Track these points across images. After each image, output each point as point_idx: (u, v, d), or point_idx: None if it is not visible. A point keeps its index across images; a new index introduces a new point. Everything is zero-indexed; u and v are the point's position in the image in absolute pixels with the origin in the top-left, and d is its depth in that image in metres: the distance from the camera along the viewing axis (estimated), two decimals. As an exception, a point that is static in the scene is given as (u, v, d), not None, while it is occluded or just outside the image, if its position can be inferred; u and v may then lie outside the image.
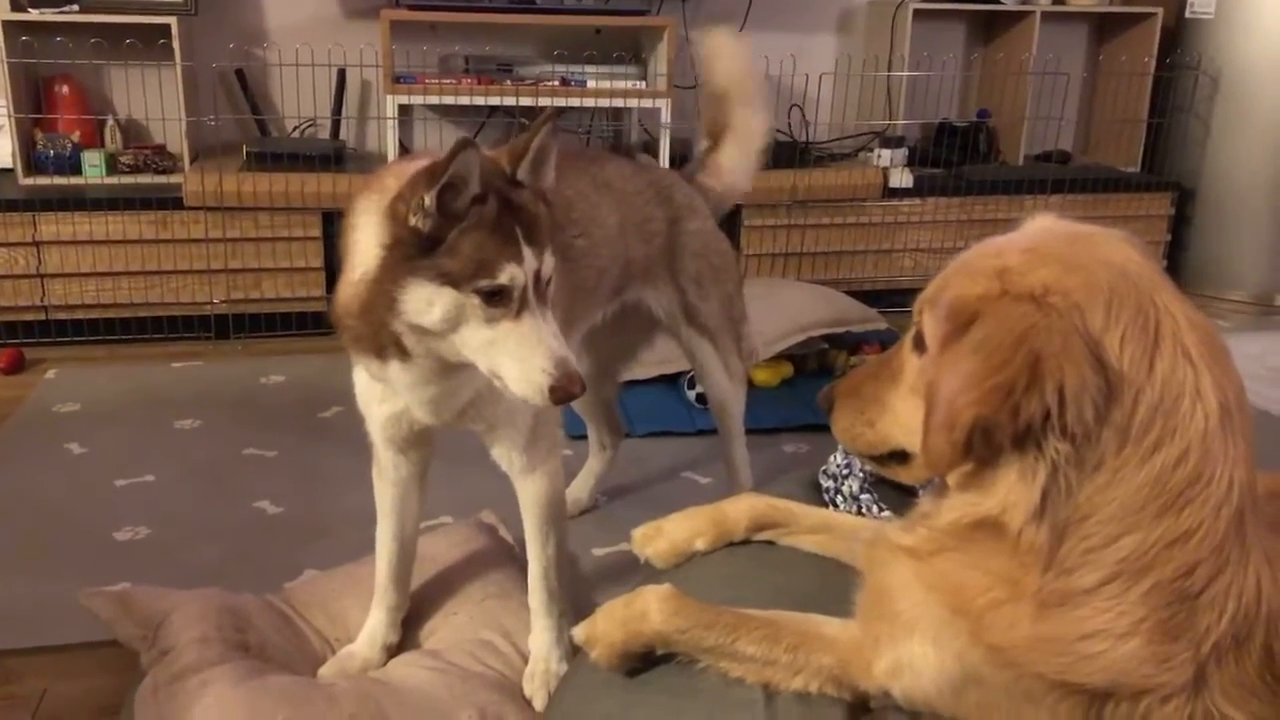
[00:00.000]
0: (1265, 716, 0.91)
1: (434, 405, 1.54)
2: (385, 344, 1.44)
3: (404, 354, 1.43)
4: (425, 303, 1.36)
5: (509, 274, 1.34)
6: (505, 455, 1.66)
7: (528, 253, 1.37)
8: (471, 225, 1.34)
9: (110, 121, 3.54)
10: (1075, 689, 0.90)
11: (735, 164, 2.19)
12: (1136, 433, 0.87)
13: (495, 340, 1.37)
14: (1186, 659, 0.89)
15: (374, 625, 1.76)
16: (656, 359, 3.02)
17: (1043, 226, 1.02)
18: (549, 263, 1.40)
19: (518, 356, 1.36)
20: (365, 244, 1.40)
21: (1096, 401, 0.86)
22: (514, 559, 1.99)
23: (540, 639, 1.70)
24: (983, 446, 0.90)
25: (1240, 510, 0.89)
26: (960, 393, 0.88)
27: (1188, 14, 4.14)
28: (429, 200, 1.32)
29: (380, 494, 1.76)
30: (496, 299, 1.35)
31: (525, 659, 1.69)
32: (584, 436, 2.77)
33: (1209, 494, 0.88)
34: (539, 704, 1.60)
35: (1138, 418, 0.87)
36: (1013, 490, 0.91)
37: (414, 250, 1.35)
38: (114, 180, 3.38)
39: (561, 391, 1.36)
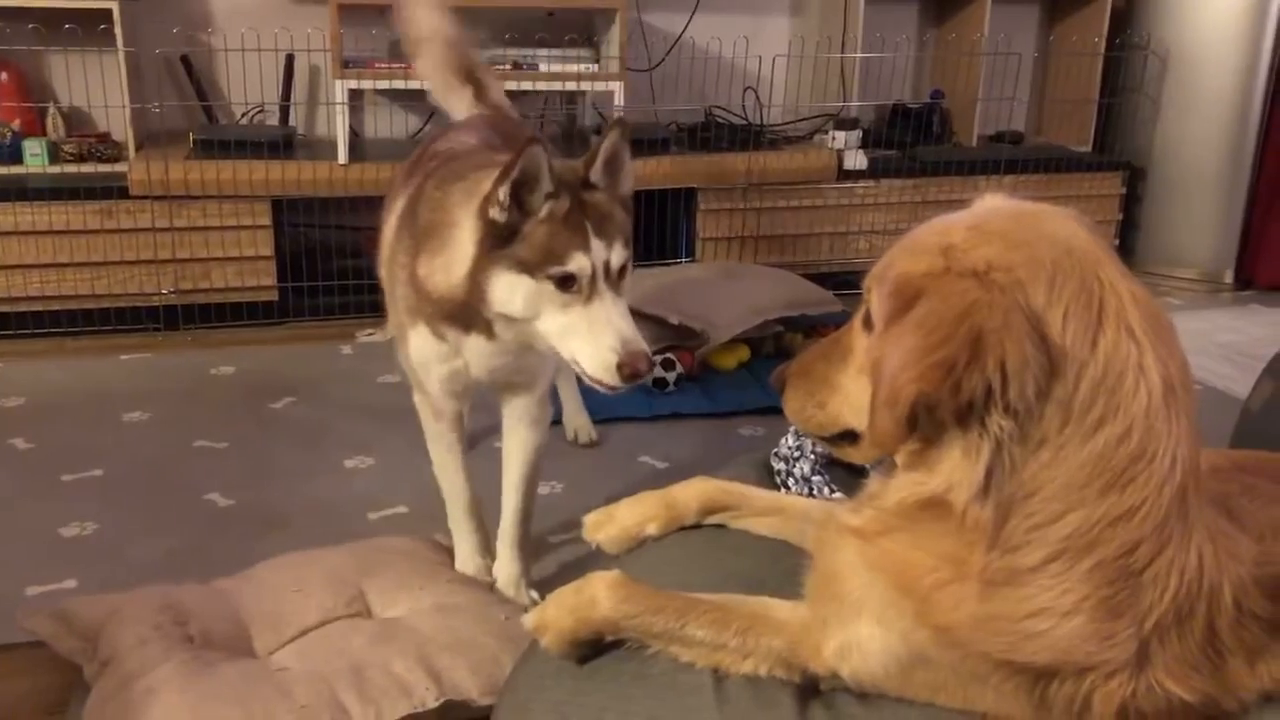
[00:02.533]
0: (1207, 690, 0.91)
1: (496, 370, 1.75)
2: (475, 324, 1.63)
3: (491, 334, 1.63)
4: (508, 291, 1.53)
5: (578, 262, 1.50)
6: (525, 407, 1.88)
7: (596, 244, 1.52)
8: (545, 219, 1.51)
9: (52, 109, 3.47)
10: (1020, 668, 0.90)
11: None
12: (1079, 409, 0.87)
13: (569, 325, 1.53)
14: (1129, 636, 0.89)
15: (466, 552, 1.95)
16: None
17: (991, 205, 1.02)
18: (619, 254, 1.55)
19: (589, 338, 1.52)
20: (464, 241, 1.57)
21: (1038, 378, 0.86)
22: None
23: (508, 570, 1.93)
24: (926, 424, 0.90)
25: (1183, 487, 0.89)
26: (902, 369, 0.88)
27: (1136, -6, 4.18)
28: (503, 194, 1.49)
29: (439, 437, 1.92)
30: (568, 285, 1.51)
31: (481, 623, 1.70)
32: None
33: (1152, 471, 0.88)
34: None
35: (1080, 394, 0.87)
36: (957, 468, 0.91)
37: (495, 241, 1.52)
38: (57, 169, 3.31)
39: (629, 369, 1.51)
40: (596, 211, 1.54)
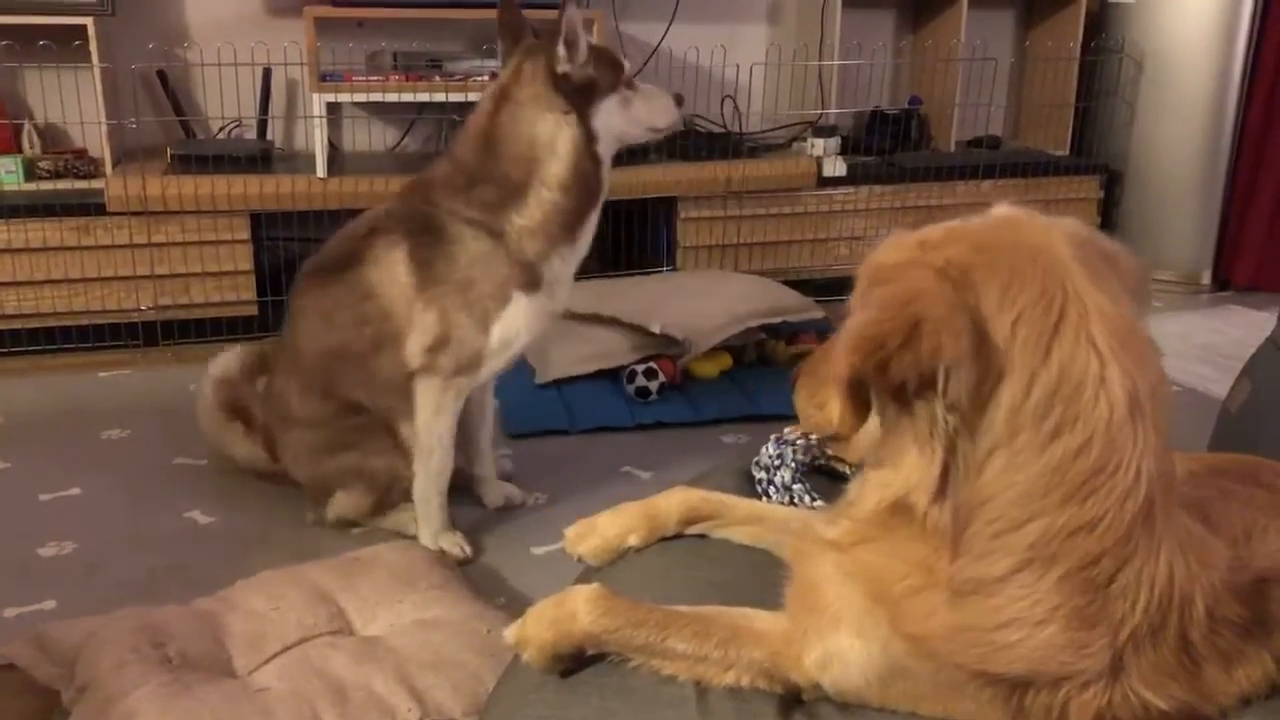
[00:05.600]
0: (1184, 698, 0.91)
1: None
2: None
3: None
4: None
5: None
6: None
7: None
8: None
9: (27, 126, 3.44)
10: (995, 678, 0.90)
11: None
12: (1033, 416, 0.87)
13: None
14: (1104, 645, 0.89)
15: (439, 526, 2.21)
16: (595, 354, 3.01)
17: (996, 212, 1.01)
18: None
19: None
20: None
21: (976, 377, 0.87)
22: (449, 564, 2.02)
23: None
24: (879, 408, 0.93)
25: (1148, 501, 0.89)
26: (844, 343, 0.90)
27: (1111, -2, 4.21)
28: None
29: (456, 410, 2.18)
30: None
31: (463, 639, 1.70)
32: (521, 436, 2.76)
33: (1114, 484, 0.87)
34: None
35: (1032, 401, 0.87)
36: (915, 468, 0.92)
37: None
38: (32, 187, 3.28)
39: None
40: None
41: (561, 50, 2.03)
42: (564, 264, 2.14)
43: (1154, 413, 0.89)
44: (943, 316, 0.87)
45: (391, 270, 2.09)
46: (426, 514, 2.18)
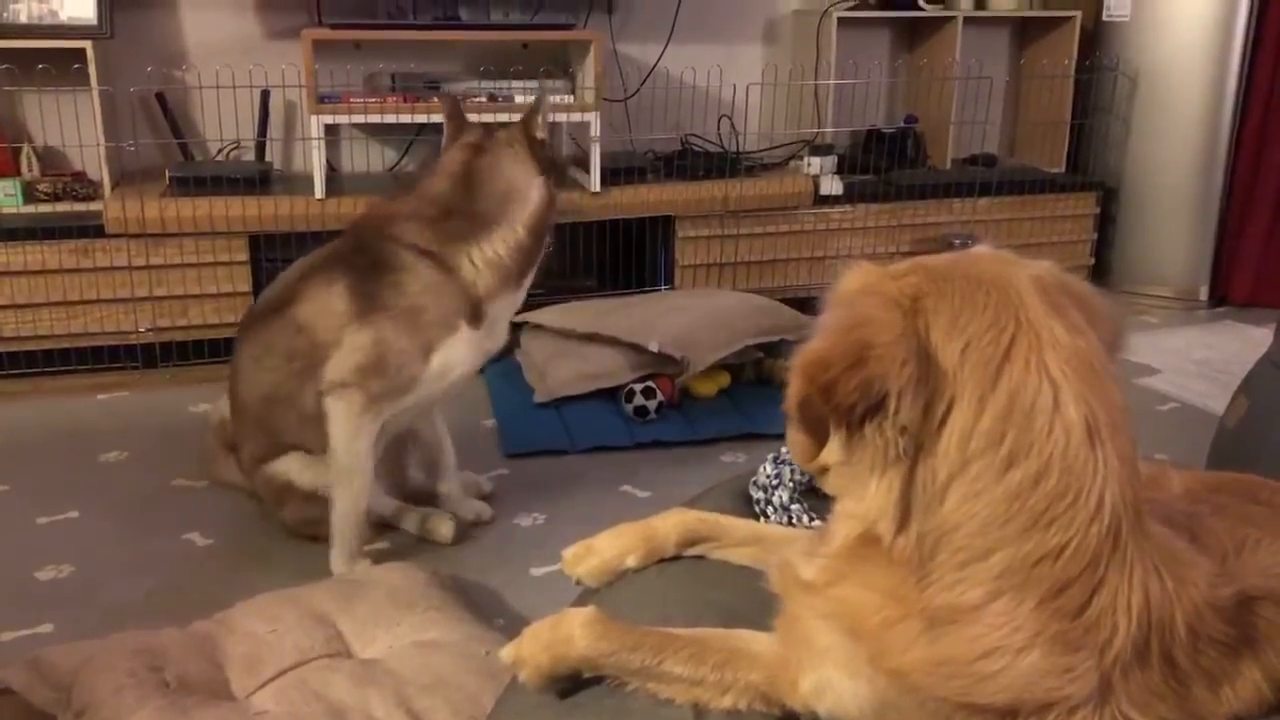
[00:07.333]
0: (1174, 719, 0.91)
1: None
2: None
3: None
4: None
5: None
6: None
7: None
8: None
9: (26, 149, 3.45)
10: (981, 709, 0.89)
11: None
12: (987, 442, 0.87)
13: None
14: (1089, 668, 0.88)
15: (352, 551, 2.20)
16: (593, 373, 3.01)
17: (973, 250, 1.02)
18: None
19: None
20: None
21: (925, 402, 0.87)
22: (447, 585, 2.00)
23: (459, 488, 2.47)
24: (821, 430, 0.93)
25: (1115, 526, 0.88)
26: (794, 366, 0.91)
27: (1105, 16, 4.23)
28: None
29: (373, 434, 2.17)
30: None
31: (461, 660, 1.69)
32: (519, 455, 2.75)
33: (1075, 513, 0.87)
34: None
35: (982, 426, 0.87)
36: (875, 496, 0.92)
37: None
38: (31, 209, 3.29)
39: None
40: None
41: (539, 120, 2.28)
42: (505, 307, 2.24)
43: (1117, 439, 0.89)
44: (889, 342, 0.88)
45: (327, 303, 2.13)
46: (343, 537, 2.17)
